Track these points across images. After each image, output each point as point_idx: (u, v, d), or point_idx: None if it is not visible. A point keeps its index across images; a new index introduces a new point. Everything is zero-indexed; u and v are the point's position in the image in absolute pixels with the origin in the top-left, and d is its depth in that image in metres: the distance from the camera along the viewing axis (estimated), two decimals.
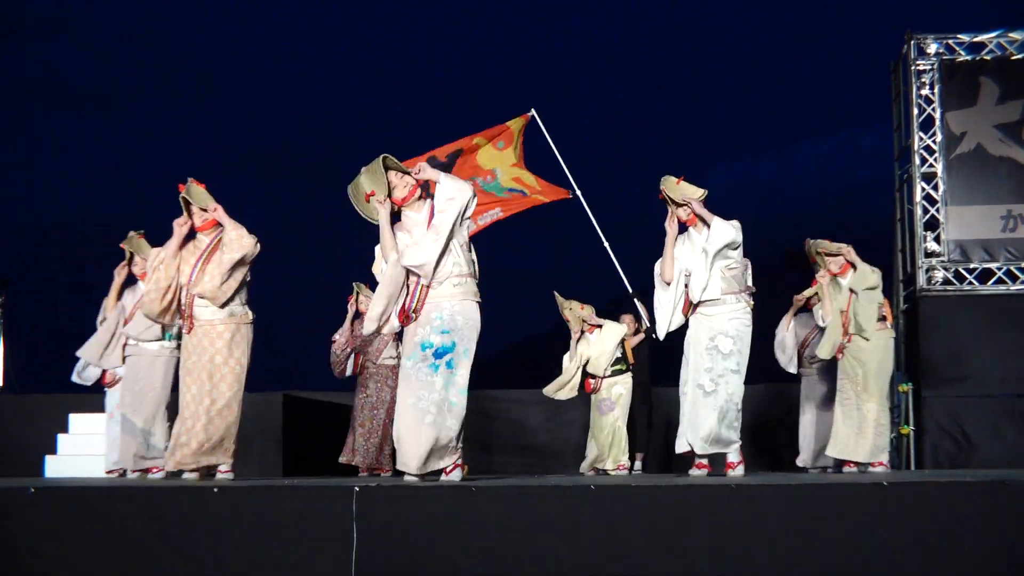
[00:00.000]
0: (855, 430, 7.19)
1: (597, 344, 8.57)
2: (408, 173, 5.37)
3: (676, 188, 6.22)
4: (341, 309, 9.36)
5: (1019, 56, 10.48)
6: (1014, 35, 10.54)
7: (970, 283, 10.27)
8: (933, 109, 10.53)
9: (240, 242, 6.05)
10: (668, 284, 6.30)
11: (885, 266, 10.61)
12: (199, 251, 6.21)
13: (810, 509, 4.11)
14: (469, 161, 9.48)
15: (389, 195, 5.36)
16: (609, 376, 8.60)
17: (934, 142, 10.50)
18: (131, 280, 7.46)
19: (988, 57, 10.52)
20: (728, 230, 6.07)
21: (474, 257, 5.40)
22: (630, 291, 9.62)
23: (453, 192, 5.19)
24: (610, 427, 8.54)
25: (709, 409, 6.10)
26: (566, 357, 8.70)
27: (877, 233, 12.18)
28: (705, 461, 6.29)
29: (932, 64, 10.57)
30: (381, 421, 8.61)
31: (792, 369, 8.63)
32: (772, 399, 10.47)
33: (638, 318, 9.40)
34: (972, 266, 10.27)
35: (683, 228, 6.32)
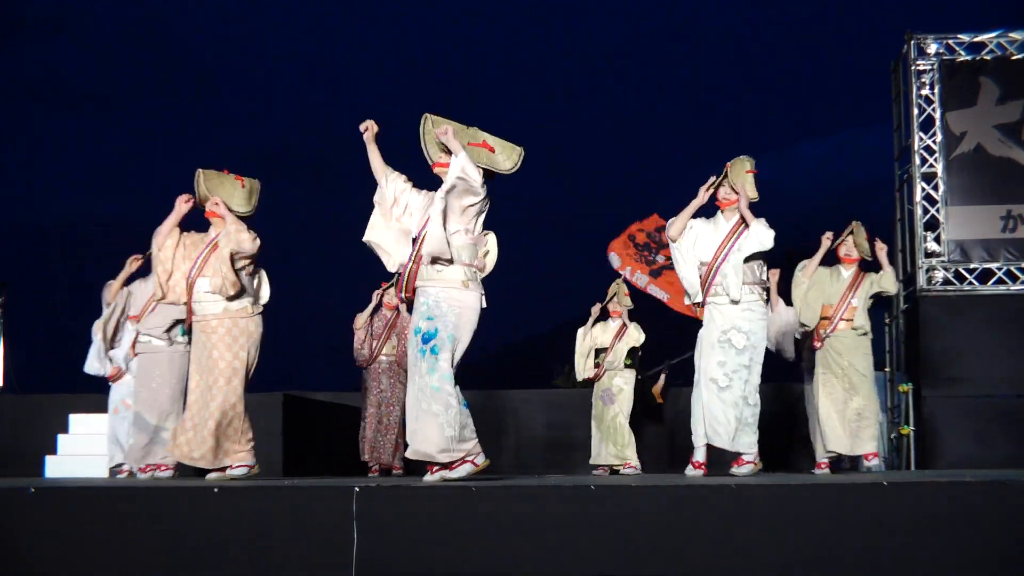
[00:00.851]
0: (845, 424, 7.14)
1: (612, 337, 8.65)
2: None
3: (741, 173, 6.16)
4: (342, 309, 9.37)
5: (1019, 56, 10.48)
6: (1014, 35, 10.53)
7: (970, 283, 10.27)
8: (933, 109, 10.53)
9: (236, 236, 6.04)
10: (673, 242, 6.29)
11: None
12: (204, 243, 6.21)
13: (810, 509, 4.11)
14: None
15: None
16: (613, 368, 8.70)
17: (934, 142, 10.50)
18: (143, 272, 7.44)
19: (988, 57, 10.51)
20: (768, 239, 6.08)
21: (479, 247, 5.29)
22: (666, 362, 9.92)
23: (458, 172, 5.13)
24: (611, 419, 8.58)
25: (727, 405, 6.03)
26: (581, 331, 8.79)
27: (877, 233, 12.17)
28: (700, 460, 6.23)
29: (932, 64, 10.56)
30: (397, 418, 8.64)
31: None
32: (771, 398, 10.45)
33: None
34: (972, 266, 10.27)
35: (711, 212, 6.30)
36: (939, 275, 10.29)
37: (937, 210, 10.39)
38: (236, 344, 6.10)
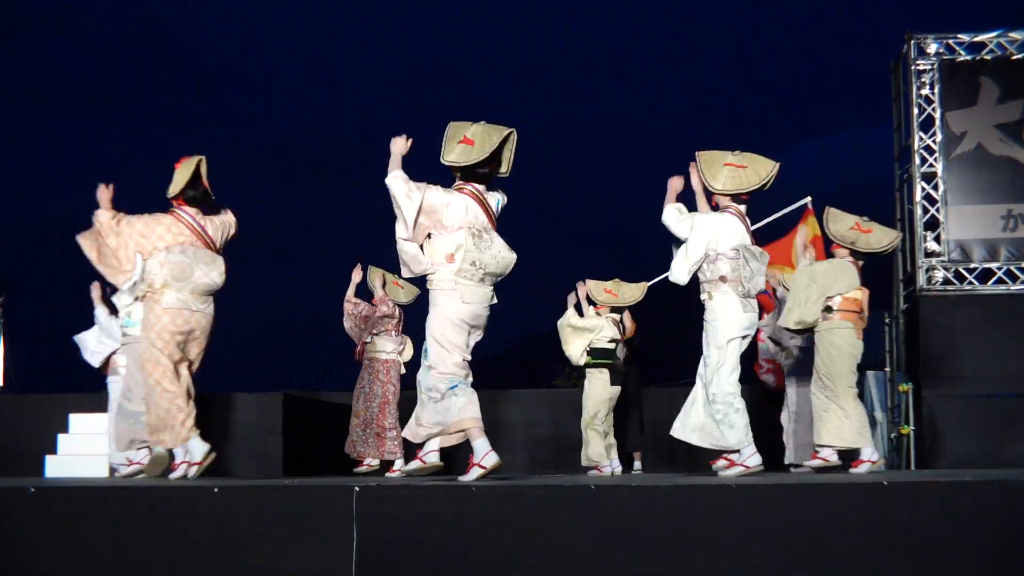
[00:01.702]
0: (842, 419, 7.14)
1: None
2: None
3: (711, 167, 6.10)
4: (338, 307, 9.38)
5: (1019, 56, 10.48)
6: (1014, 35, 10.53)
7: (970, 283, 10.26)
8: (933, 109, 10.53)
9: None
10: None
11: (885, 266, 10.63)
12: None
13: (810, 509, 4.11)
14: None
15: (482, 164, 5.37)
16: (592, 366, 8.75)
17: (934, 142, 10.50)
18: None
19: (988, 57, 10.51)
20: (664, 215, 6.07)
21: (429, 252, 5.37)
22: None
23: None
24: (607, 418, 8.67)
25: (699, 401, 6.02)
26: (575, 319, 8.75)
27: None
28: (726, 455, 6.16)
29: (932, 64, 10.56)
30: (375, 414, 8.62)
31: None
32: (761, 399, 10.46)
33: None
34: (972, 266, 10.27)
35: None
36: (939, 275, 10.28)
37: (937, 210, 10.39)
38: (145, 329, 6.23)
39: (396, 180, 5.25)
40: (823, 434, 7.01)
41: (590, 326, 8.72)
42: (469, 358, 5.36)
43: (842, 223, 7.08)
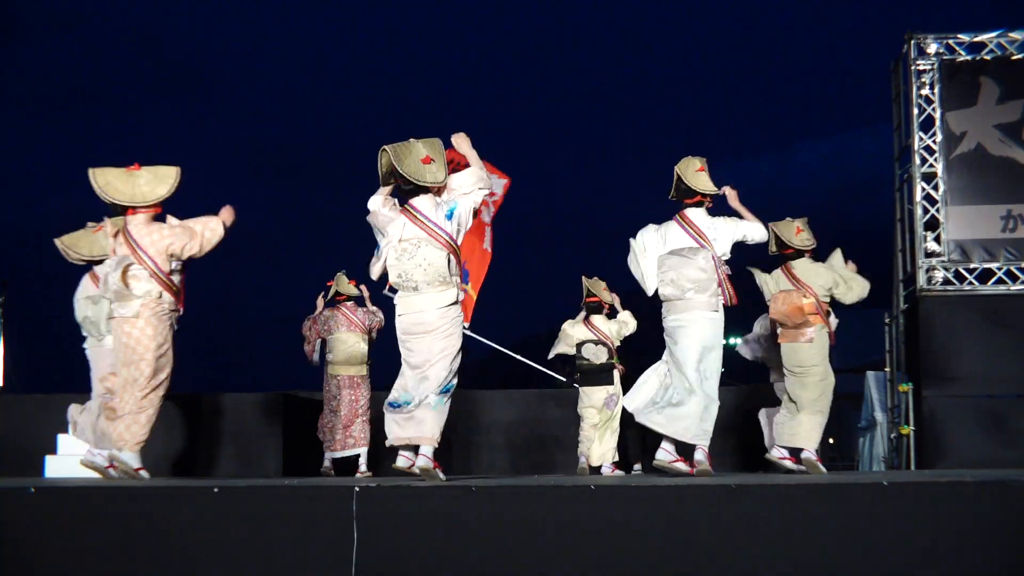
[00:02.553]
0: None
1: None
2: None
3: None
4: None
5: (1019, 56, 10.47)
6: (1014, 35, 10.52)
7: (970, 283, 10.26)
8: (933, 109, 10.52)
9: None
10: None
11: (885, 266, 10.63)
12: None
13: (809, 509, 4.11)
14: None
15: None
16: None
17: (934, 142, 10.49)
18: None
19: (988, 57, 10.51)
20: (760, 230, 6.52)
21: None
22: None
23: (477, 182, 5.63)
24: (610, 421, 8.63)
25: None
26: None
27: (877, 233, 12.17)
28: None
29: (932, 64, 10.56)
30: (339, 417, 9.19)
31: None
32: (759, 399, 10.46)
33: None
34: (972, 266, 10.26)
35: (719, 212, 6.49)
36: (939, 275, 10.28)
37: (937, 210, 10.38)
38: None
39: (375, 198, 5.60)
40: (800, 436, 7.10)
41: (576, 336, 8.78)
42: (419, 367, 5.50)
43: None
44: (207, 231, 6.22)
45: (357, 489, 4.12)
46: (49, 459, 8.89)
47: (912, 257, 10.51)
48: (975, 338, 9.98)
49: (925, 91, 10.55)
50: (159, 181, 6.21)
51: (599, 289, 8.82)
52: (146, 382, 6.11)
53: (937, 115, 10.51)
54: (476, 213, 5.68)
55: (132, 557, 4.14)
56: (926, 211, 10.43)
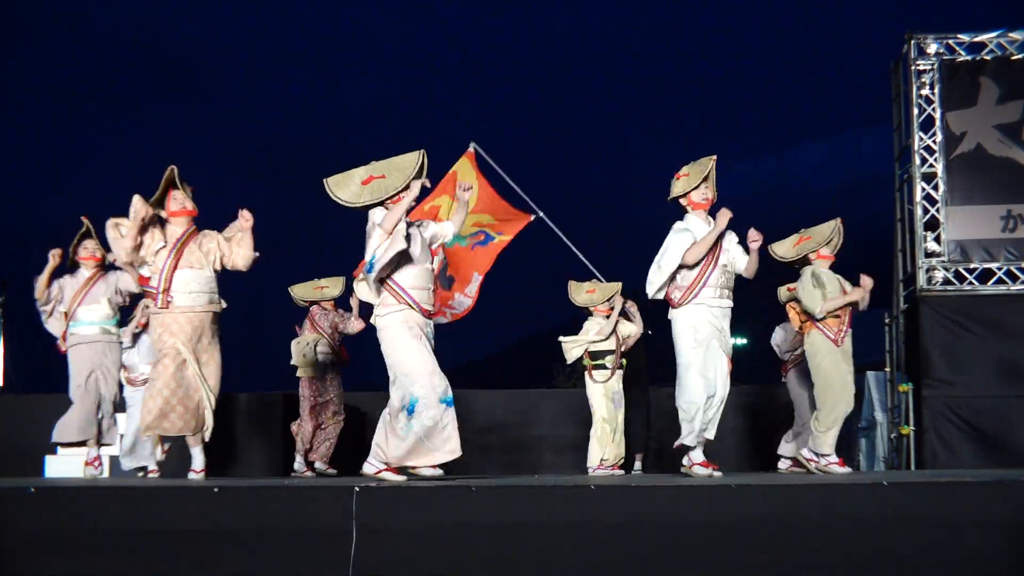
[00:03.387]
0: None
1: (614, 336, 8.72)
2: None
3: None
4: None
5: (1019, 56, 10.46)
6: (1014, 35, 10.52)
7: (970, 283, 10.25)
8: (933, 109, 10.52)
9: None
10: (690, 268, 6.52)
11: (885, 266, 10.62)
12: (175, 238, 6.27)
13: (809, 509, 4.11)
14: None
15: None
16: (618, 368, 8.70)
17: (934, 142, 10.48)
18: (65, 268, 7.52)
19: (988, 57, 10.50)
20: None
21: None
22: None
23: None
24: (621, 421, 8.63)
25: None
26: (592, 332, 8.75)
27: (877, 233, 12.16)
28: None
29: (932, 64, 10.55)
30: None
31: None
32: (767, 399, 10.46)
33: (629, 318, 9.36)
34: (972, 266, 10.26)
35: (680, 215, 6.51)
36: (939, 275, 10.28)
37: (937, 210, 10.38)
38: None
39: None
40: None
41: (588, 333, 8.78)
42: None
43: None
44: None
45: (357, 489, 4.12)
46: (49, 459, 8.90)
47: (912, 257, 10.50)
48: (975, 338, 9.98)
49: (925, 91, 10.54)
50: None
51: (583, 293, 8.86)
52: None
53: (937, 115, 10.50)
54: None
55: (132, 557, 4.13)
56: (926, 211, 10.43)
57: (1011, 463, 9.07)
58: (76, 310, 7.32)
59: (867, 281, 6.98)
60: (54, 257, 7.41)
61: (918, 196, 10.43)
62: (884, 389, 10.89)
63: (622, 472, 8.62)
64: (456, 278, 9.62)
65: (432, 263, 5.73)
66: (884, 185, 11.76)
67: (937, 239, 10.34)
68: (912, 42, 10.58)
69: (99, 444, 7.36)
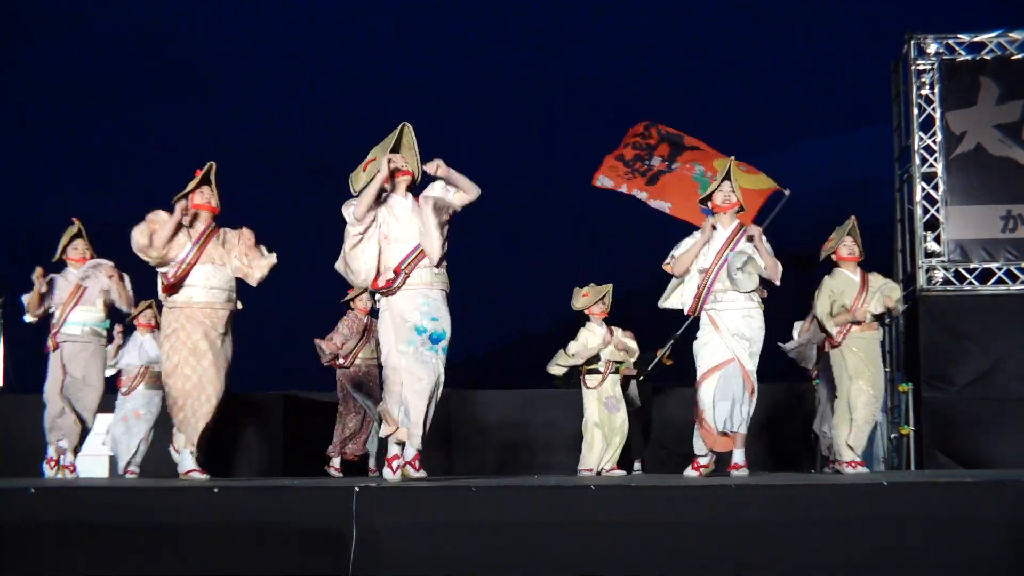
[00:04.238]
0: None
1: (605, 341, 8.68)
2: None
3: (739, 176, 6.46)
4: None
5: (1019, 56, 10.47)
6: (1014, 35, 10.52)
7: (970, 283, 10.26)
8: (933, 109, 10.53)
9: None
10: (678, 277, 6.50)
11: (885, 266, 10.62)
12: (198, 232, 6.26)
13: (810, 509, 4.11)
14: (700, 157, 9.60)
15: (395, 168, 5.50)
16: (612, 373, 8.63)
17: (934, 142, 10.49)
18: (57, 268, 7.50)
19: (988, 57, 10.51)
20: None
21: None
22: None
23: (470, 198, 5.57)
24: (621, 425, 8.55)
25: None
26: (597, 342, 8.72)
27: (877, 233, 12.16)
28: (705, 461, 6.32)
29: (932, 64, 10.56)
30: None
31: None
32: (781, 398, 10.46)
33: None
34: (972, 266, 10.26)
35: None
36: (939, 275, 10.28)
37: (937, 210, 10.38)
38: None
39: None
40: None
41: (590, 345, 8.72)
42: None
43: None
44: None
45: (357, 489, 4.12)
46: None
47: (912, 257, 10.51)
48: (975, 338, 9.98)
49: (925, 91, 10.55)
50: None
51: (580, 297, 8.78)
52: None
53: (937, 115, 10.51)
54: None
55: (132, 557, 4.13)
56: (926, 211, 10.43)
57: (1011, 463, 9.08)
58: (69, 312, 7.29)
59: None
60: (39, 279, 7.36)
61: (918, 196, 10.44)
62: (884, 389, 10.90)
63: (623, 472, 8.60)
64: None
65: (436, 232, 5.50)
66: (884, 185, 11.77)
67: (937, 239, 10.35)
68: (912, 42, 10.59)
69: (75, 451, 7.33)
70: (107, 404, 8.08)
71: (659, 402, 10.60)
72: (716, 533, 4.06)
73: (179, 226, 6.18)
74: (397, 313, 5.41)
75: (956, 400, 9.90)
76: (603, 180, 9.84)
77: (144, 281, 6.81)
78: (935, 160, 10.46)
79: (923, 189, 10.44)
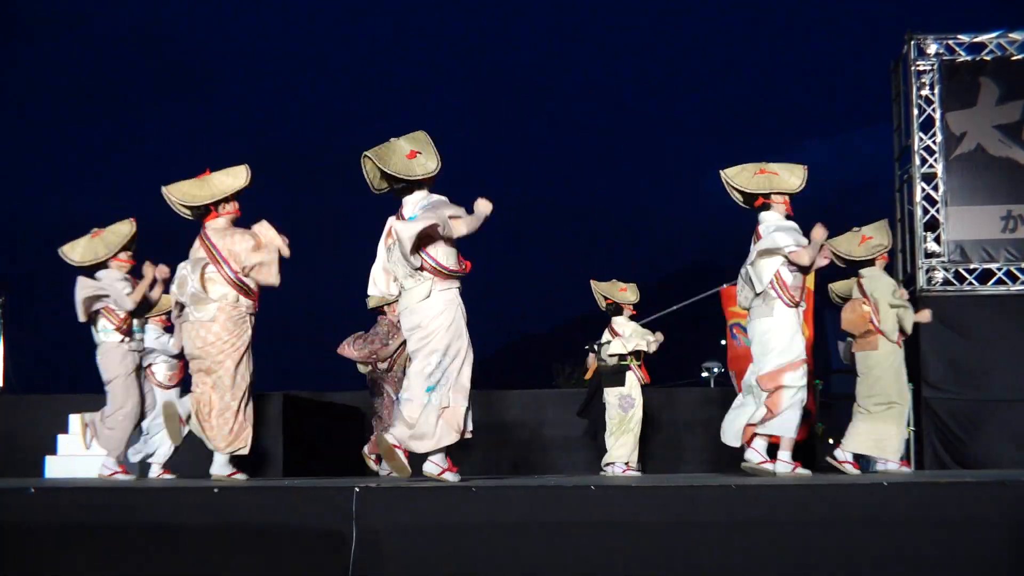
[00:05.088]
0: None
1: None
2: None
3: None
4: (341, 308, 9.38)
5: (1019, 56, 10.47)
6: (1014, 35, 10.53)
7: (970, 283, 10.26)
8: (933, 109, 10.53)
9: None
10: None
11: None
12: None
13: (810, 509, 4.11)
14: None
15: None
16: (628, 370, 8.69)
17: (934, 142, 10.49)
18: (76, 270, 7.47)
19: (988, 57, 10.51)
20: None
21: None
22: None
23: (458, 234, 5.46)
24: (637, 424, 8.58)
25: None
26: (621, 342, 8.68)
27: None
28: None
29: (932, 64, 10.56)
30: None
31: None
32: None
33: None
34: (972, 266, 10.26)
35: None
36: (939, 275, 10.28)
37: (937, 210, 10.38)
38: None
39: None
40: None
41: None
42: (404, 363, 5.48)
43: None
44: (272, 264, 6.23)
45: (357, 489, 4.12)
46: (49, 459, 8.89)
47: (912, 258, 10.51)
48: (975, 339, 9.99)
49: (925, 91, 10.55)
50: (232, 176, 6.26)
51: (614, 292, 8.78)
52: (231, 383, 6.10)
53: (937, 115, 10.51)
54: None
55: (132, 557, 4.14)
56: (926, 211, 10.43)
57: (1011, 463, 9.08)
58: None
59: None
60: (159, 272, 7.04)
61: (918, 196, 10.44)
62: None
63: (638, 472, 8.59)
64: None
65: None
66: (884, 186, 11.77)
67: (937, 239, 10.35)
68: (912, 42, 10.59)
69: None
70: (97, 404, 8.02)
71: (660, 402, 10.60)
72: (716, 533, 4.06)
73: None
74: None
75: (956, 400, 9.90)
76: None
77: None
78: (935, 160, 10.46)
79: (923, 189, 10.44)
